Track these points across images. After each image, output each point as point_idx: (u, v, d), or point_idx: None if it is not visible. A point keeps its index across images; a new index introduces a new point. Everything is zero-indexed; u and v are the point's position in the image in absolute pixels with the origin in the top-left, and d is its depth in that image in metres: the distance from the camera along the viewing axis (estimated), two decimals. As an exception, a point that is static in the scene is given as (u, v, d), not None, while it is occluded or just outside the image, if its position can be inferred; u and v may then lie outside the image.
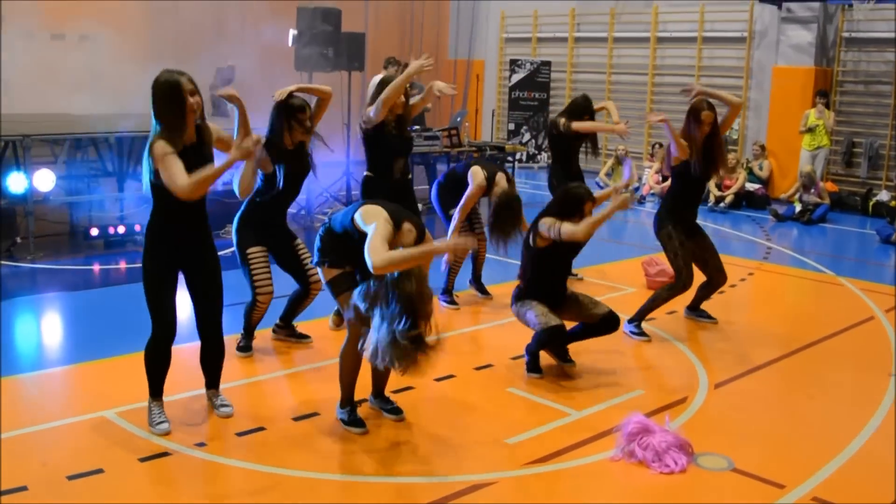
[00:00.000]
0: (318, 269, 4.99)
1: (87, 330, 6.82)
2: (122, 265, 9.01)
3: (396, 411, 5.16)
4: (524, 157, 17.66)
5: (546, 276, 5.94)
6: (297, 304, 6.32)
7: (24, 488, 4.19)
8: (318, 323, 6.80)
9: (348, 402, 5.01)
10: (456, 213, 7.27)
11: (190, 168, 4.53)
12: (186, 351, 5.63)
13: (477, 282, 8.00)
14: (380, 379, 5.22)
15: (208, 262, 4.93)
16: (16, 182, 8.88)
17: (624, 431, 4.78)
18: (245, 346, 6.16)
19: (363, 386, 5.20)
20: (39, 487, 4.22)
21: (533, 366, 5.97)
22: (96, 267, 8.91)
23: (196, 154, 4.66)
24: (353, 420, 4.97)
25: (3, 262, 8.64)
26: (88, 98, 12.28)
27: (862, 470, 4.75)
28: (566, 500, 4.37)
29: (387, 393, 5.27)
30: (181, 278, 4.90)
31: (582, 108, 8.16)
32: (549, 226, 5.69)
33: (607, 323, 5.97)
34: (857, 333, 7.36)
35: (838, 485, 4.55)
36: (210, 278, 4.95)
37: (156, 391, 4.96)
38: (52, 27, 13.37)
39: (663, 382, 6.07)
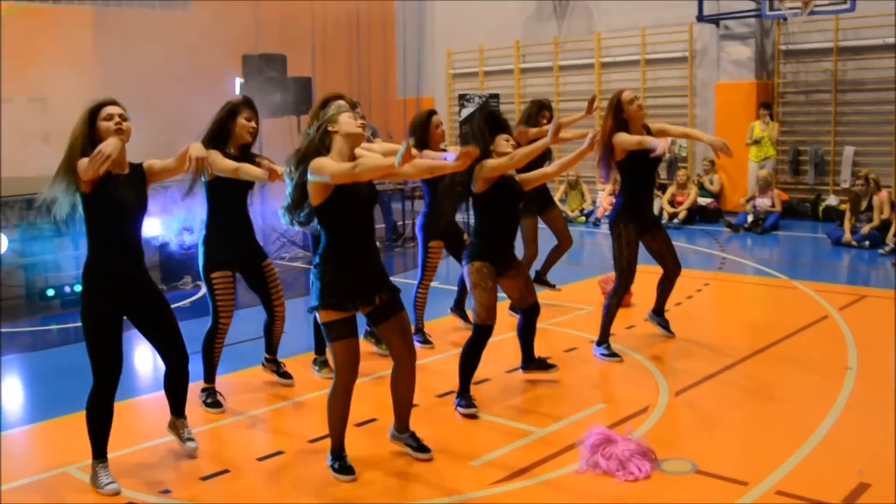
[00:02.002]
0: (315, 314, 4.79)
1: (47, 389, 6.78)
2: (77, 324, 8.93)
3: (424, 449, 5.00)
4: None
5: (492, 230, 5.77)
6: (270, 334, 6.28)
7: (-12, 547, 4.16)
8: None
9: (338, 450, 4.84)
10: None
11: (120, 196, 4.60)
12: (142, 403, 5.61)
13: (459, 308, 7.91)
14: (401, 411, 5.04)
15: (154, 293, 4.90)
16: (-32, 248, 8.82)
17: (587, 444, 4.83)
18: (213, 403, 5.96)
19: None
20: (4, 545, 4.19)
21: (463, 388, 5.80)
22: (53, 327, 8.85)
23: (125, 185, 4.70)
24: (343, 468, 4.81)
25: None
26: (40, 158, 12.22)
27: (822, 462, 4.84)
28: (534, 515, 4.41)
29: (349, 426, 5.25)
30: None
31: (535, 109, 8.17)
32: (480, 166, 5.60)
33: (534, 311, 6.05)
34: (813, 333, 7.49)
35: (800, 478, 4.62)
36: (161, 306, 4.90)
37: (101, 451, 4.77)
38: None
39: (624, 395, 6.13)
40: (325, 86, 16.03)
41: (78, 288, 9.56)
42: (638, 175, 6.83)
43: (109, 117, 4.62)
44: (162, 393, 5.19)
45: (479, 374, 6.30)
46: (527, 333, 6.22)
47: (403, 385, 4.93)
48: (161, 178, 4.98)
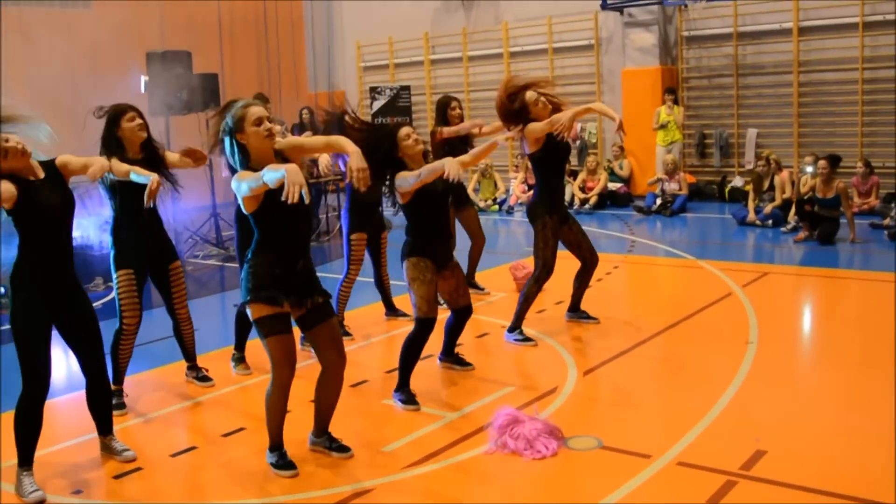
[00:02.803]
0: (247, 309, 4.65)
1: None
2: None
3: (344, 449, 4.96)
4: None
5: (424, 226, 5.74)
6: (178, 338, 6.27)
7: None
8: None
9: (277, 446, 4.80)
10: None
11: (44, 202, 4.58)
12: (55, 405, 5.55)
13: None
14: (323, 415, 5.02)
15: (84, 304, 4.87)
16: None
17: (495, 425, 4.95)
18: (118, 405, 5.83)
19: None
20: None
21: (403, 382, 5.80)
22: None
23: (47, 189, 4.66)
24: (283, 464, 4.77)
25: None
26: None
27: (722, 432, 5.02)
28: (444, 498, 4.49)
29: (257, 420, 5.26)
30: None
31: (442, 107, 8.24)
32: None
33: (465, 312, 6.10)
34: (717, 310, 7.73)
35: (700, 448, 4.80)
36: (88, 318, 4.87)
37: (27, 458, 4.67)
38: None
39: (534, 377, 6.26)
40: (233, 81, 15.94)
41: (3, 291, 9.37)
42: (553, 166, 7.00)
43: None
44: (76, 394, 5.14)
45: (389, 362, 6.39)
46: (454, 331, 6.27)
47: (330, 391, 4.88)
48: (75, 175, 4.90)
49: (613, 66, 15.75)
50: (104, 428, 5.11)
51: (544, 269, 6.97)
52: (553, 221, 6.92)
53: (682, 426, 5.10)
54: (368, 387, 6.16)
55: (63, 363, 7.11)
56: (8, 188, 4.44)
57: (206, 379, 6.37)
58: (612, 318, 7.56)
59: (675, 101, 14.65)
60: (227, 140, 4.60)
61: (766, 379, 5.89)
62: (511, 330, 7.05)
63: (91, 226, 9.85)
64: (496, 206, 15.18)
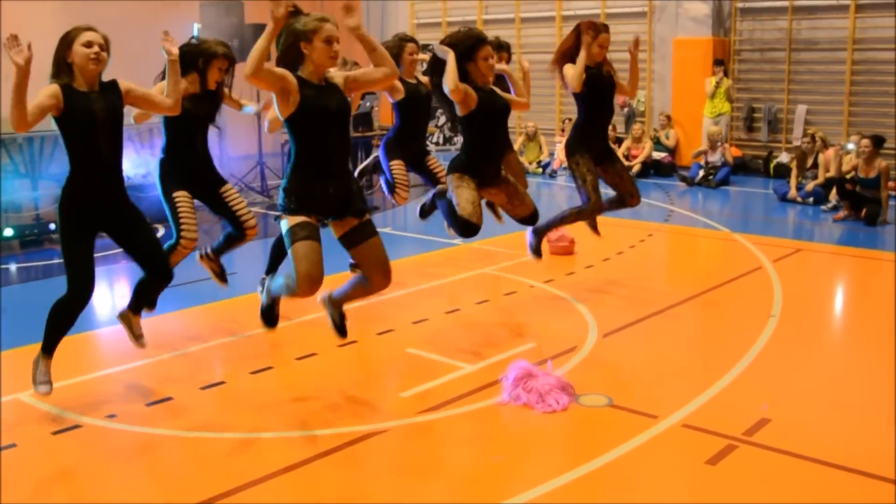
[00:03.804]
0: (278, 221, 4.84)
1: (5, 323, 6.97)
2: (37, 263, 9.13)
3: (341, 330, 5.21)
4: (441, 140, 17.95)
5: (473, 149, 6.03)
6: (231, 243, 6.33)
7: (-63, 465, 4.40)
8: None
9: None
10: None
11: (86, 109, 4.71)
12: (94, 336, 5.83)
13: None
14: (350, 290, 5.15)
15: (129, 209, 4.98)
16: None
17: (509, 377, 5.13)
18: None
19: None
20: (-48, 463, 4.44)
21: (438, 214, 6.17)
22: (13, 266, 9.02)
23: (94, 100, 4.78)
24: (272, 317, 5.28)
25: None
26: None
27: (730, 399, 5.16)
28: (455, 443, 4.71)
29: (286, 361, 5.49)
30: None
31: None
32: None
33: (530, 220, 6.35)
34: (744, 282, 7.81)
35: (707, 413, 4.94)
36: (136, 221, 4.99)
37: (49, 349, 4.89)
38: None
39: (555, 335, 6.41)
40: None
41: (36, 229, 9.74)
42: (594, 104, 6.97)
43: (88, 44, 4.71)
44: (113, 328, 5.38)
45: (417, 313, 6.61)
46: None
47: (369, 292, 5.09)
48: (140, 106, 5.08)
49: (665, 34, 15.67)
50: (136, 305, 5.26)
51: (588, 204, 6.96)
52: (585, 159, 6.94)
53: (693, 391, 5.24)
54: (394, 335, 6.37)
55: (108, 299, 7.45)
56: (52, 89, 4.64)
57: (223, 277, 6.52)
58: (639, 285, 7.68)
59: (725, 73, 14.58)
60: (290, 41, 4.63)
61: (783, 352, 5.99)
62: (535, 231, 7.13)
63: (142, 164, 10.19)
64: (540, 170, 15.27)
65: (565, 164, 14.60)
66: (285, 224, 4.70)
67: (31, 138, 10.21)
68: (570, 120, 15.57)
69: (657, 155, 14.92)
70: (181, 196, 5.95)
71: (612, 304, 7.13)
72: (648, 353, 6.02)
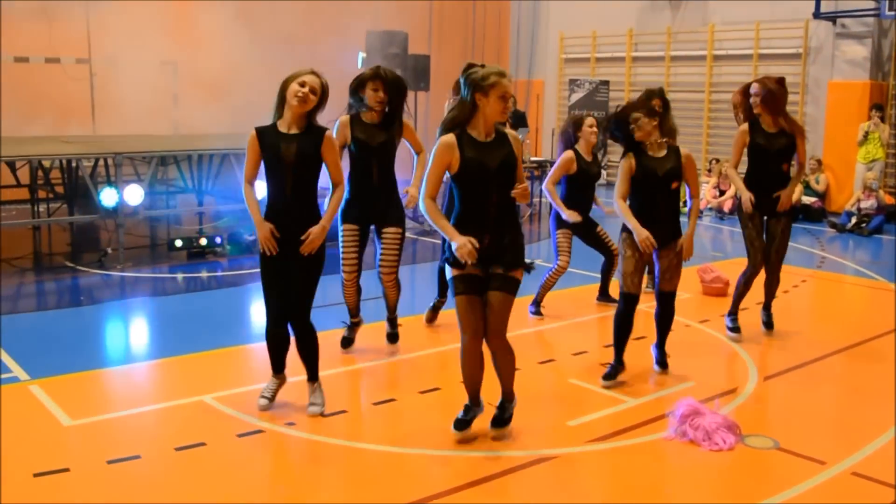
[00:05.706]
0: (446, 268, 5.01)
1: (176, 329, 7.40)
2: (204, 274, 9.62)
3: (499, 423, 5.15)
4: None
5: (636, 209, 6.08)
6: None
7: (137, 457, 4.75)
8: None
9: (467, 404, 5.12)
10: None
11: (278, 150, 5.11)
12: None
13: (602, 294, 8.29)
14: (499, 379, 5.15)
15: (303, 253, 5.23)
16: (108, 197, 9.55)
17: (676, 414, 5.20)
18: (344, 340, 6.65)
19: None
20: (151, 456, 4.78)
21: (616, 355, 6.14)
22: (179, 275, 9.53)
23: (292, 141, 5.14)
24: (455, 421, 5.09)
25: (93, 272, 9.32)
26: (169, 117, 12.97)
27: (900, 451, 5.11)
28: (622, 474, 4.81)
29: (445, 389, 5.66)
30: None
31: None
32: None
33: (664, 297, 6.28)
34: (905, 334, 7.65)
35: (877, 462, 4.90)
36: (303, 268, 5.24)
37: (273, 368, 5.52)
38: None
39: (715, 375, 6.43)
40: (440, 64, 16.47)
41: (202, 241, 10.27)
42: (762, 163, 7.07)
43: (302, 84, 5.05)
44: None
45: (577, 345, 6.74)
46: (658, 320, 6.37)
47: (495, 360, 5.06)
48: (324, 160, 5.26)
49: (820, 77, 15.45)
50: (309, 374, 5.51)
51: (749, 260, 7.18)
52: (752, 214, 7.05)
53: (861, 439, 5.20)
54: (556, 365, 6.51)
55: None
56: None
57: (393, 337, 6.80)
58: (797, 330, 7.61)
59: (882, 119, 14.26)
60: (463, 90, 4.78)
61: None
62: (729, 314, 7.37)
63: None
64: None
65: (711, 205, 14.57)
66: (449, 273, 4.96)
67: (201, 156, 10.79)
68: (716, 160, 15.49)
69: (807, 199, 14.67)
70: (347, 230, 6.33)
71: (770, 348, 7.10)
72: (812, 399, 5.98)
